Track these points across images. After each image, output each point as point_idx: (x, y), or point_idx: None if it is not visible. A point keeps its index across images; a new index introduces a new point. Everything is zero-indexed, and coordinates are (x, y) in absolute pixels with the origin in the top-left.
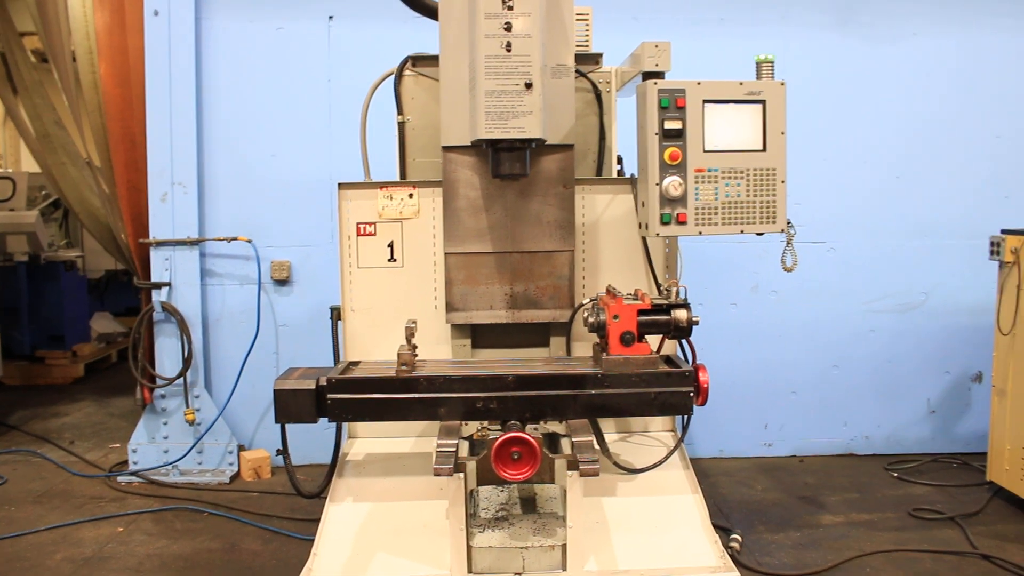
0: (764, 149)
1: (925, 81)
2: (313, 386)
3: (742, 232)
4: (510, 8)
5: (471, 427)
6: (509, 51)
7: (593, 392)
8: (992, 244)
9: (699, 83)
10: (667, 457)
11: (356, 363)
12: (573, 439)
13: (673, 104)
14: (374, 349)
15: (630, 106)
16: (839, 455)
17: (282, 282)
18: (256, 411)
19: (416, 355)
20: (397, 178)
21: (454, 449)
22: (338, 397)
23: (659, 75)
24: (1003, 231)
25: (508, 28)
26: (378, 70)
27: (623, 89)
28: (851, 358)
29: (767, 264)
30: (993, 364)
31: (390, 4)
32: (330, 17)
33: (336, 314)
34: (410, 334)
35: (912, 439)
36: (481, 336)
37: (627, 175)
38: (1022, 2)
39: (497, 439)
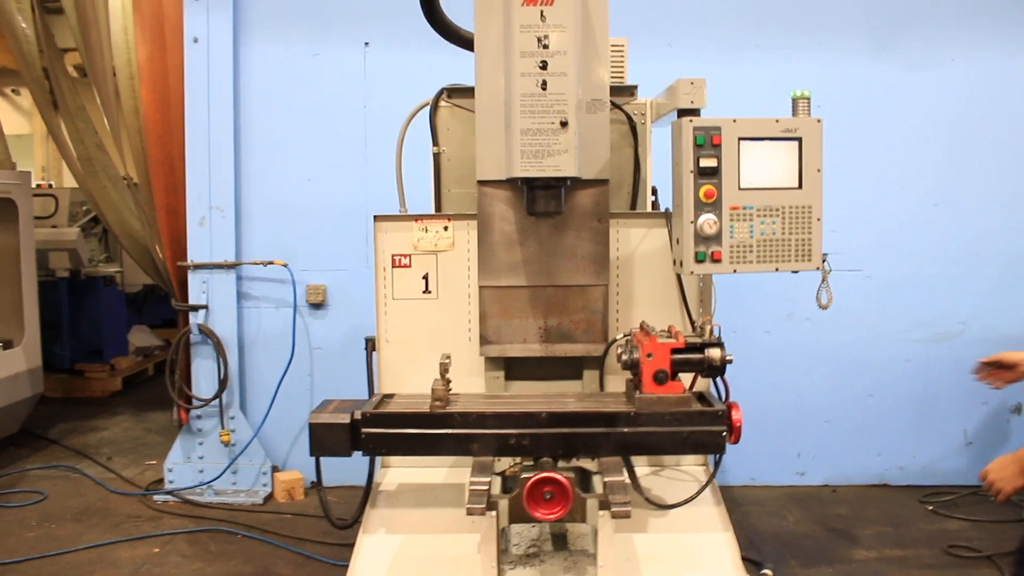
0: (800, 186)
1: (962, 107)
2: (347, 420)
3: (777, 270)
4: (546, 47)
5: (504, 462)
6: (544, 89)
7: (626, 430)
8: None
9: (735, 120)
10: (698, 493)
11: (390, 396)
12: (605, 479)
13: (708, 142)
14: (408, 380)
15: (665, 136)
16: (873, 485)
17: (317, 306)
18: (290, 433)
19: (450, 389)
20: (432, 209)
21: (487, 488)
22: (372, 432)
23: (694, 112)
24: None
25: (544, 66)
26: (414, 96)
27: (658, 120)
28: (886, 387)
29: (801, 291)
30: None
31: (425, 31)
32: (366, 43)
33: (371, 345)
34: (444, 369)
35: (948, 470)
36: (514, 368)
37: (661, 207)
38: None
39: (529, 479)
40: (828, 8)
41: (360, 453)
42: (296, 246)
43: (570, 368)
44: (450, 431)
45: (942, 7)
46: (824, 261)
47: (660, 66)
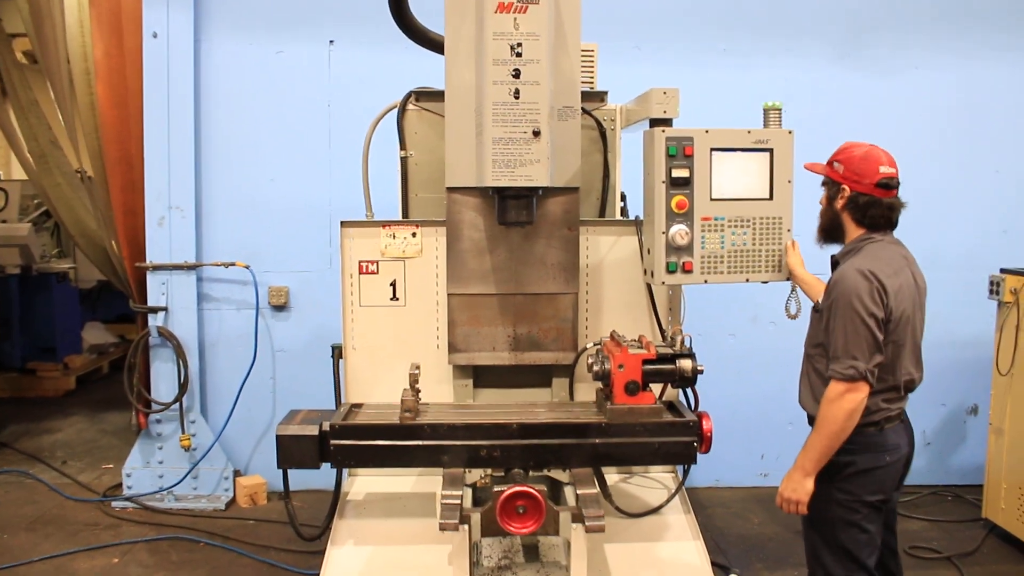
0: (771, 197)
1: (926, 115)
2: (316, 432)
3: (747, 281)
4: (519, 55)
5: (474, 473)
6: (517, 98)
7: (597, 441)
8: (991, 283)
9: (707, 131)
10: (667, 501)
11: (358, 406)
12: (578, 491)
13: (681, 152)
14: (375, 388)
15: (634, 141)
16: None
17: (280, 307)
18: (252, 436)
19: (420, 399)
20: (399, 213)
21: (459, 502)
22: (341, 443)
23: (667, 122)
24: (1002, 270)
25: (517, 75)
26: (379, 96)
27: (628, 126)
28: None
29: (766, 295)
30: (991, 403)
31: (392, 30)
32: (331, 41)
33: (337, 352)
34: (414, 380)
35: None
36: (483, 376)
37: (630, 213)
38: (1019, 35)
39: (502, 493)
40: (795, 14)
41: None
42: (258, 247)
43: (539, 376)
44: (420, 443)
45: (905, 16)
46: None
47: (627, 69)
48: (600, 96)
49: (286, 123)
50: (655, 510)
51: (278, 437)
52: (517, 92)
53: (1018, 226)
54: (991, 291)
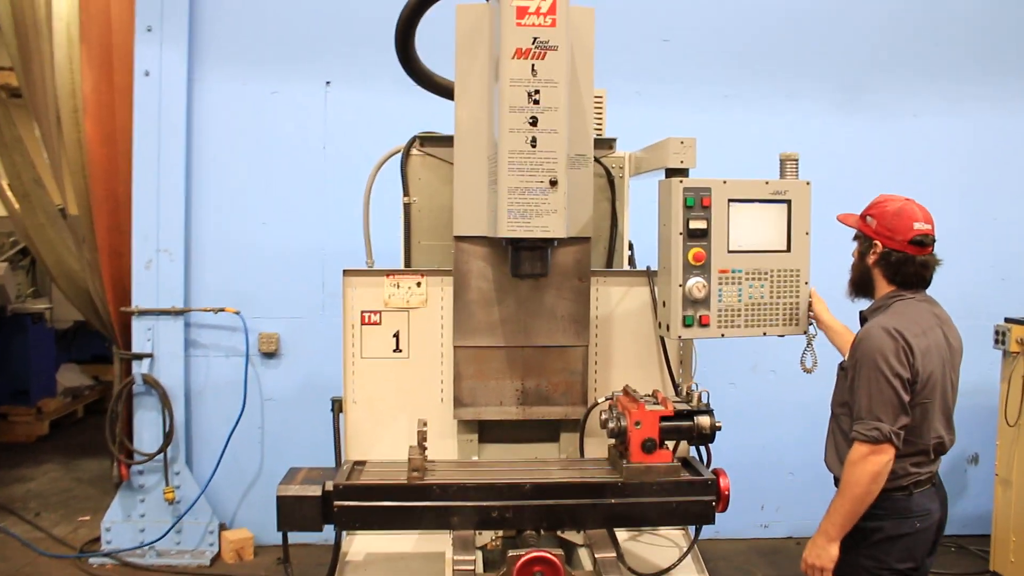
0: (788, 249)
1: (925, 161)
2: (319, 492)
3: (764, 335)
4: (536, 103)
5: (484, 535)
6: (534, 146)
7: (613, 502)
8: (997, 332)
9: (725, 182)
10: (679, 561)
11: (361, 463)
12: (596, 555)
13: (699, 203)
14: (376, 443)
15: (642, 189)
16: None
17: (270, 355)
18: (239, 488)
19: (427, 457)
20: (401, 261)
21: (472, 567)
22: (345, 505)
23: (683, 172)
24: (1007, 320)
25: (534, 123)
26: (377, 139)
27: (636, 174)
28: None
29: (765, 344)
30: (997, 453)
31: (390, 70)
32: (327, 82)
33: (337, 406)
34: (422, 437)
35: None
36: (488, 431)
37: (638, 264)
38: (1018, 83)
39: (519, 558)
40: (797, 60)
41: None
42: (249, 292)
43: (547, 430)
44: (429, 504)
45: (906, 64)
46: (811, 325)
47: (629, 113)
48: (609, 143)
49: (280, 165)
50: (667, 570)
51: (279, 498)
52: (534, 140)
53: (1016, 274)
54: (996, 340)
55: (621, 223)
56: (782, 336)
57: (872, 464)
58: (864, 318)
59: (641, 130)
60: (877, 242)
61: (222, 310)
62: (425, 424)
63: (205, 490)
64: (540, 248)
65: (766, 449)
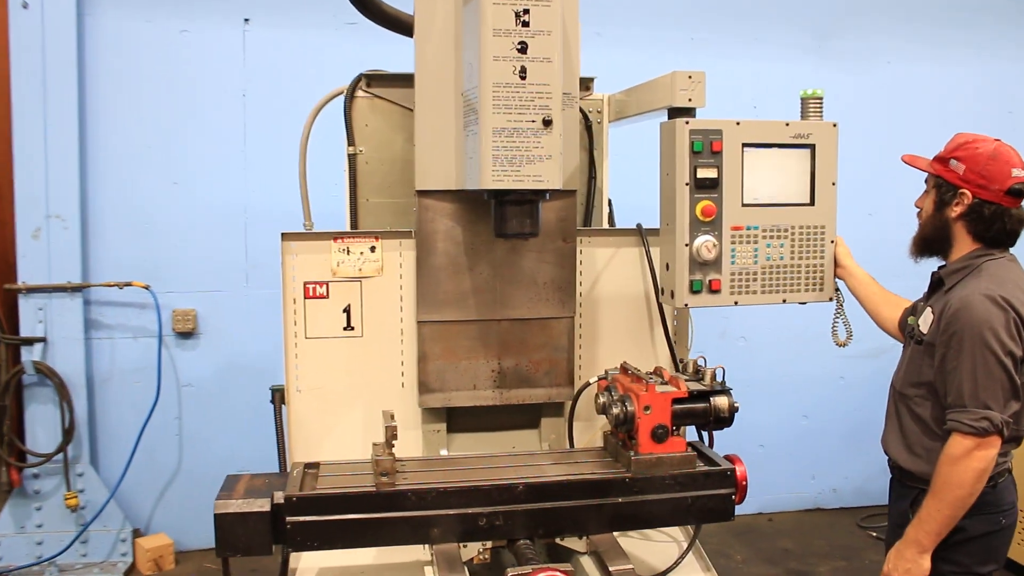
0: (812, 203)
1: (899, 109)
2: (267, 507)
3: (784, 302)
4: (525, 24)
5: (471, 547)
6: (524, 78)
7: (621, 501)
8: None
9: (738, 123)
10: (682, 558)
11: (314, 466)
12: (611, 567)
13: (708, 148)
14: (326, 440)
15: (620, 139)
16: (807, 510)
17: (186, 334)
18: (154, 488)
19: (396, 457)
20: (346, 223)
21: None
22: (301, 520)
23: (689, 112)
24: None
25: (523, 49)
26: (305, 84)
27: (616, 120)
28: (821, 407)
29: (735, 308)
30: None
31: (318, 5)
32: (246, 20)
33: (278, 396)
34: (391, 435)
35: (879, 490)
36: (458, 419)
37: (617, 224)
38: (990, 32)
39: None
40: (765, 3)
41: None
42: (160, 263)
43: (525, 416)
44: (404, 514)
45: (875, 9)
46: (837, 290)
47: (589, 55)
48: (585, 84)
49: (193, 116)
50: (670, 570)
51: (217, 517)
52: (524, 71)
53: None
54: None
55: (600, 176)
56: (803, 303)
57: (978, 460)
58: (940, 280)
59: (604, 74)
60: (965, 191)
61: (128, 284)
62: (393, 418)
63: (115, 493)
64: (530, 202)
65: (736, 421)
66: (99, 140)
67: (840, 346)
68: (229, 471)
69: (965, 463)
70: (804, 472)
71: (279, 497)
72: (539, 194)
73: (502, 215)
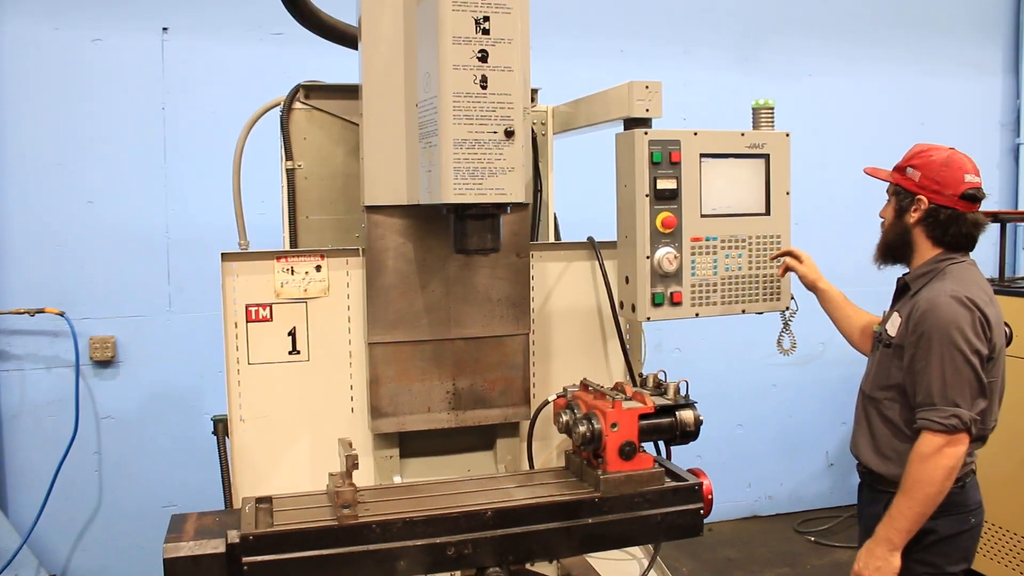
0: (768, 212)
1: (818, 122)
2: (222, 548)
3: (743, 312)
4: (485, 32)
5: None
6: (484, 88)
7: (591, 522)
8: None
9: (695, 133)
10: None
11: (266, 500)
12: None
13: (667, 159)
14: (273, 472)
15: (566, 149)
16: (744, 518)
17: (105, 363)
18: (72, 529)
19: (356, 488)
20: (284, 241)
21: None
22: (260, 560)
23: (645, 123)
24: None
25: (483, 58)
26: (228, 97)
27: (560, 132)
28: (755, 415)
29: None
30: None
31: (243, 12)
32: (164, 28)
33: (222, 427)
34: (351, 464)
35: (812, 494)
36: (410, 443)
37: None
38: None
39: None
40: (693, 18)
41: None
42: (74, 288)
43: (480, 438)
44: (369, 547)
45: (798, 24)
46: (792, 300)
47: None
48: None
49: (107, 130)
50: None
51: (168, 562)
52: (484, 80)
53: None
54: None
55: (546, 190)
56: (761, 314)
57: (947, 458)
58: (904, 284)
59: (534, 85)
60: (922, 197)
61: (41, 311)
62: (352, 446)
63: (28, 538)
64: (492, 216)
65: None
66: (5, 157)
67: (784, 354)
68: (154, 507)
69: (935, 460)
70: (740, 480)
71: (234, 536)
72: (501, 208)
73: (462, 230)
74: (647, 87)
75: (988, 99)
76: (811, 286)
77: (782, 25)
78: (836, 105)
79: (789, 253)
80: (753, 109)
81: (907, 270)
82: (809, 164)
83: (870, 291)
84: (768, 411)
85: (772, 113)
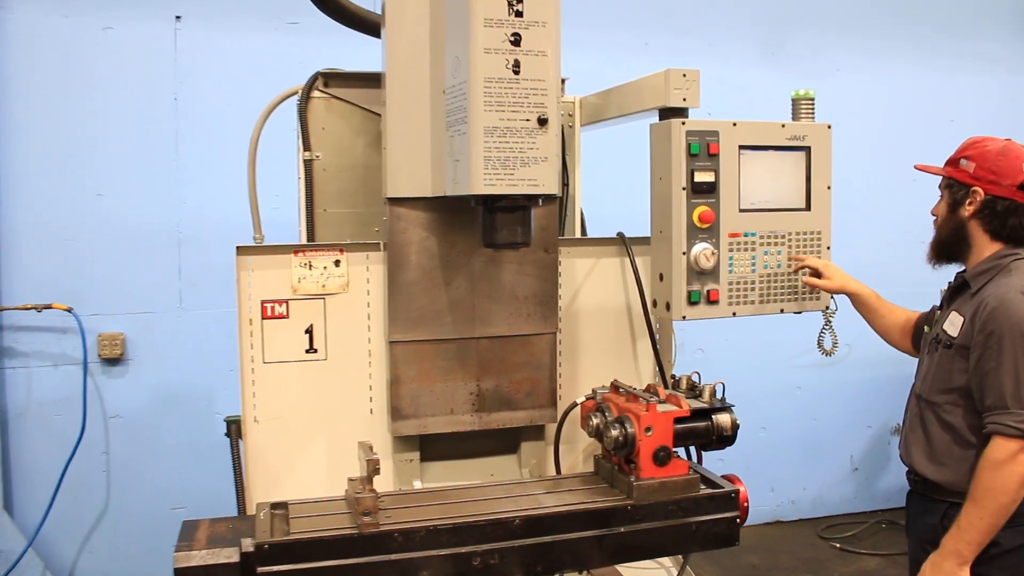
0: (808, 207)
1: (846, 118)
2: (236, 558)
3: (782, 312)
4: (519, 14)
5: None
6: (517, 73)
7: (623, 531)
8: None
9: (735, 124)
10: None
11: (282, 506)
12: None
13: (705, 151)
14: (288, 474)
15: (593, 142)
16: (767, 523)
17: (113, 360)
18: (79, 531)
19: (378, 494)
20: (301, 235)
21: None
22: (276, 571)
23: (682, 113)
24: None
25: (516, 41)
26: (242, 87)
27: (588, 124)
28: (778, 418)
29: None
30: None
31: (258, 2)
32: (177, 17)
33: (235, 429)
34: (373, 469)
35: (836, 499)
36: (431, 446)
37: (589, 235)
38: (939, 42)
39: None
40: (718, 11)
41: None
42: (83, 284)
43: (504, 441)
44: (391, 557)
45: (825, 19)
46: (832, 299)
47: None
48: None
49: (119, 122)
50: None
51: (178, 572)
52: (517, 64)
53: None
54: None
55: (573, 184)
56: (799, 313)
57: (1022, 464)
58: (963, 282)
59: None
60: (977, 189)
61: (48, 307)
62: (373, 450)
63: (33, 540)
64: (523, 208)
65: None
66: (12, 148)
67: (826, 355)
68: (163, 509)
69: (1009, 468)
70: (763, 485)
71: (248, 545)
72: (533, 200)
73: (491, 223)
74: (684, 75)
75: (1018, 97)
76: (840, 292)
77: (809, 19)
78: (864, 102)
79: (807, 266)
80: (793, 100)
81: (963, 268)
82: (841, 161)
83: (896, 291)
84: (791, 413)
85: (813, 104)
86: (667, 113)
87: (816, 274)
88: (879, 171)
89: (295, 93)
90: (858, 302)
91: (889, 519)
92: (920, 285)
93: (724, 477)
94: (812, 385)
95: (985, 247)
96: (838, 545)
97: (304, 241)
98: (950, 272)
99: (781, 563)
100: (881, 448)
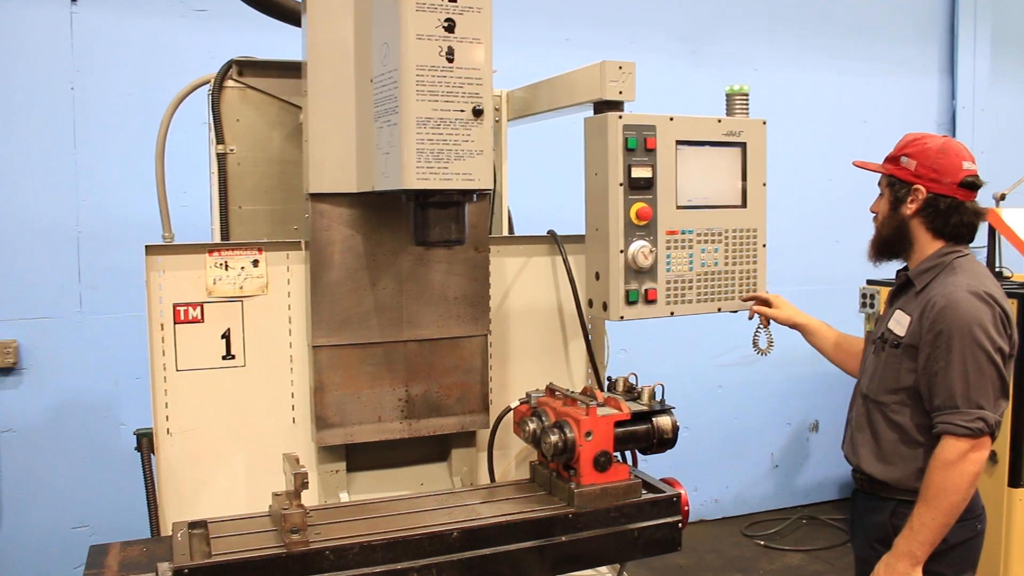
0: (744, 204)
1: (766, 113)
2: None
3: (719, 311)
4: (453, 0)
5: None
6: (451, 61)
7: (564, 540)
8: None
9: (671, 118)
10: None
11: (200, 525)
12: None
13: (642, 145)
14: (205, 490)
15: (520, 137)
16: (691, 523)
17: (6, 370)
18: None
19: (306, 510)
20: (214, 233)
21: None
22: None
23: (617, 106)
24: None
25: (450, 28)
26: (145, 76)
27: (515, 119)
28: (701, 418)
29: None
30: None
31: None
32: (73, 1)
33: (146, 443)
34: (300, 484)
35: (757, 497)
36: (357, 455)
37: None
38: (856, 43)
39: None
40: (639, 7)
41: None
42: None
43: (434, 447)
44: None
45: (744, 18)
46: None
47: None
48: None
49: (10, 112)
50: None
51: None
52: (451, 52)
53: (849, 237)
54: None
55: (500, 180)
56: (735, 312)
57: (973, 463)
58: (906, 280)
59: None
60: (919, 187)
61: None
62: (300, 463)
63: None
64: (456, 204)
65: None
66: None
67: (761, 354)
68: (61, 532)
69: (960, 467)
70: (687, 484)
71: (166, 570)
72: (467, 195)
73: (424, 220)
74: (620, 67)
75: (925, 99)
76: (789, 324)
77: (728, 17)
78: (782, 101)
79: (757, 298)
80: (727, 95)
81: (903, 265)
82: None
83: (811, 289)
84: (714, 413)
85: (747, 99)
86: (602, 107)
87: (765, 304)
88: (799, 170)
89: (207, 82)
90: (807, 332)
91: (809, 515)
92: (837, 282)
93: (663, 481)
94: (734, 385)
95: (927, 245)
96: (762, 542)
97: (217, 240)
98: (868, 271)
99: (708, 563)
100: (800, 445)
